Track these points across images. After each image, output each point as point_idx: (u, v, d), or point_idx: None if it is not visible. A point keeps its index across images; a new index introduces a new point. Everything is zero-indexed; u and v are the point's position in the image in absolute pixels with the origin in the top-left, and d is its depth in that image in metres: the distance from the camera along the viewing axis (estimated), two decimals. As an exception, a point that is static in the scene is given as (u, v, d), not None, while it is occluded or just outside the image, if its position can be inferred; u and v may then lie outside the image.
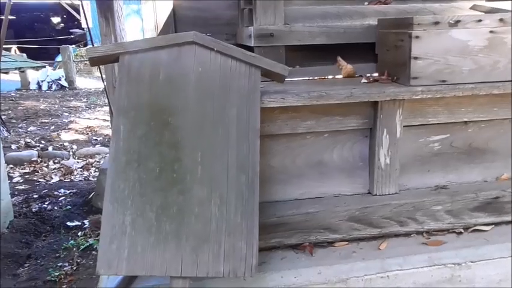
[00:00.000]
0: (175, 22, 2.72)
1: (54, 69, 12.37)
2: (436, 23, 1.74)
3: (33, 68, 3.85)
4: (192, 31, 1.60)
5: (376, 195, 1.87)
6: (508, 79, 1.82)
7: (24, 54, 11.42)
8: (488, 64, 1.80)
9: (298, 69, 2.19)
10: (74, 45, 14.28)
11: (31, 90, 11.21)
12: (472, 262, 1.73)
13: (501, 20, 1.77)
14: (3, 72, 3.37)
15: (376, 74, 2.06)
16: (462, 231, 1.89)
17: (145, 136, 1.50)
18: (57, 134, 6.79)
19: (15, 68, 3.75)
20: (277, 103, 1.67)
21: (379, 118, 1.80)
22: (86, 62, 13.93)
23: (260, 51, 2.10)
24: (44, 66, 4.00)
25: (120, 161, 1.46)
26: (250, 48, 2.15)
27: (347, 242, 1.82)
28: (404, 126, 1.85)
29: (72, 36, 17.07)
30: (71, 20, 18.60)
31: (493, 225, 1.91)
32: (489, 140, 2.00)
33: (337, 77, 2.15)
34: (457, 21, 1.75)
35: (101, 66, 3.53)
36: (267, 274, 1.64)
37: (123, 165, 1.46)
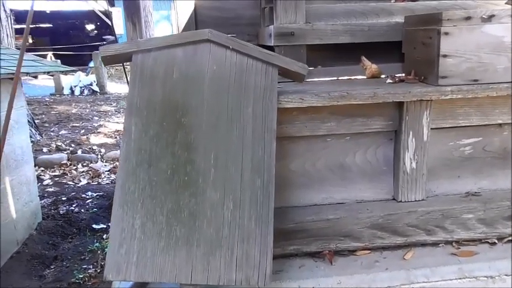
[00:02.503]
0: (196, 23, 2.68)
1: (86, 75, 12.67)
2: (468, 18, 1.63)
3: (61, 72, 3.92)
4: (207, 29, 1.55)
5: (401, 201, 1.76)
6: (548, 80, 1.68)
7: (59, 61, 11.73)
8: (526, 62, 1.67)
9: (320, 70, 2.11)
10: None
11: (64, 95, 11.51)
12: (506, 275, 1.59)
13: (539, 14, 1.64)
14: (33, 76, 3.45)
15: (402, 74, 1.95)
16: (496, 241, 1.75)
17: (157, 136, 1.45)
18: (87, 137, 6.90)
19: (43, 72, 3.79)
20: (295, 103, 1.59)
21: (405, 120, 1.70)
22: (117, 68, 14.22)
23: (280, 51, 2.04)
24: (73, 71, 4.07)
25: (130, 162, 1.42)
26: (270, 48, 2.08)
27: (369, 251, 1.72)
28: (432, 129, 1.74)
29: (105, 42, 17.48)
30: (104, 26, 19.06)
31: (531, 236, 1.77)
32: (526, 144, 1.86)
33: (361, 77, 2.05)
34: (491, 16, 1.63)
35: (126, 70, 3.54)
36: (284, 283, 1.56)
37: (133, 167, 1.42)
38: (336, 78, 2.06)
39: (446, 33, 1.63)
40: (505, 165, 1.86)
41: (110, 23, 15.97)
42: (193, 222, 1.39)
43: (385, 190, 1.81)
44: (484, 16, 1.62)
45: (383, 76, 2.02)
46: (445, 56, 1.65)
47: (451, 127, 1.78)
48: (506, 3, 2.04)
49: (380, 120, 1.73)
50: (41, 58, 4.32)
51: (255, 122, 1.49)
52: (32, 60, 3.88)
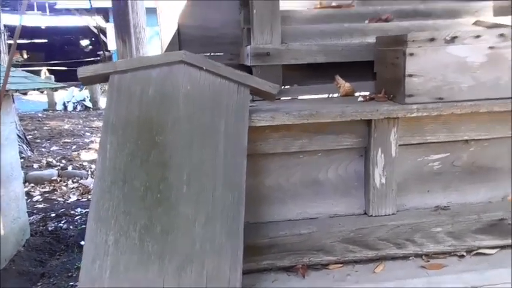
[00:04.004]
0: (179, 42, 2.75)
1: (80, 90, 12.74)
2: (432, 39, 1.70)
3: (52, 89, 3.98)
4: (182, 50, 1.61)
5: (372, 215, 1.82)
6: (510, 96, 1.75)
7: (52, 76, 11.82)
8: (489, 80, 1.75)
9: (297, 88, 2.18)
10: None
11: (57, 110, 11.56)
12: (474, 288, 1.64)
13: (501, 35, 1.72)
14: (22, 93, 3.50)
15: (374, 92, 2.02)
16: (464, 254, 1.80)
17: (131, 154, 1.51)
18: (78, 153, 6.93)
19: (34, 89, 3.84)
20: (267, 122, 1.66)
21: (374, 137, 1.76)
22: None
23: (257, 70, 2.11)
24: (65, 87, 4.12)
25: (105, 179, 1.47)
26: (249, 67, 2.16)
27: (342, 265, 1.76)
28: (401, 145, 1.80)
29: (99, 58, 17.60)
30: (98, 42, 19.19)
31: (498, 249, 1.82)
32: (494, 159, 1.93)
33: (335, 95, 2.12)
34: (454, 37, 1.71)
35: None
36: (257, 297, 1.60)
37: (108, 184, 1.47)
38: (311, 96, 2.13)
39: (411, 54, 1.70)
40: (473, 180, 1.92)
41: (104, 39, 16.12)
42: (165, 238, 1.44)
43: (356, 205, 1.86)
44: (447, 38, 1.70)
45: (356, 94, 2.09)
46: (410, 75, 1.72)
47: (419, 143, 1.84)
48: (474, 23, 2.13)
49: (350, 137, 1.79)
50: (32, 75, 4.37)
51: (227, 140, 1.55)
52: (22, 76, 3.93)
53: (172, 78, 1.59)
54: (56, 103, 11.66)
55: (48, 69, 15.14)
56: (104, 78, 1.61)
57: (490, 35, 1.71)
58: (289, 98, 2.10)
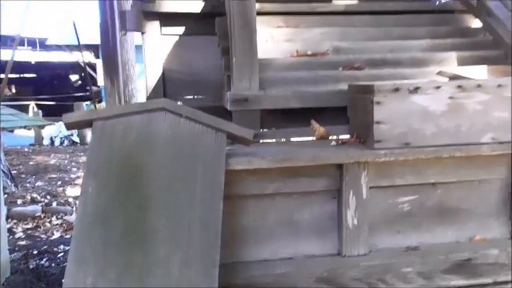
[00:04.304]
0: (164, 85, 2.87)
1: (68, 125, 12.77)
2: (396, 89, 1.83)
3: (38, 126, 4.04)
4: (162, 98, 1.72)
5: (345, 256, 1.89)
6: (471, 142, 1.87)
7: (40, 111, 11.88)
8: (450, 127, 1.87)
9: (274, 131, 2.28)
10: (88, 102, 14.80)
11: (44, 145, 11.53)
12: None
13: (459, 86, 1.86)
14: (9, 131, 3.55)
15: (347, 136, 2.13)
16: (434, 293, 1.87)
17: (111, 197, 1.58)
18: (63, 189, 6.92)
19: (20, 127, 3.91)
20: (243, 165, 1.75)
21: (345, 180, 1.85)
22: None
23: (236, 115, 2.21)
24: (50, 124, 4.18)
25: (85, 222, 1.53)
26: (230, 112, 2.27)
27: (316, 304, 1.81)
28: (371, 188, 1.90)
29: (88, 93, 17.72)
30: (88, 77, 19.36)
31: (466, 288, 1.90)
32: (460, 201, 2.03)
33: (311, 139, 2.23)
34: (417, 88, 1.84)
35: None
36: (231, 336, 1.64)
37: (88, 226, 1.53)
38: (288, 139, 2.23)
39: (378, 103, 1.83)
40: (441, 221, 2.01)
41: (94, 75, 16.32)
42: (143, 279, 1.49)
43: (331, 245, 1.94)
44: (410, 88, 1.83)
45: (331, 137, 2.20)
46: (378, 122, 1.83)
47: (389, 186, 1.94)
48: (437, 73, 2.27)
49: (323, 180, 1.89)
50: (19, 112, 4.46)
51: (204, 184, 1.63)
52: (9, 114, 4.01)
53: (153, 124, 1.68)
54: (43, 138, 11.66)
55: (36, 104, 15.19)
56: (88, 123, 1.70)
57: (449, 86, 1.85)
58: (267, 141, 2.19)
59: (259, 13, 2.70)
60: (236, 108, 2.18)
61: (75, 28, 3.89)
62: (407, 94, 1.84)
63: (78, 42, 4.92)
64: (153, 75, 2.86)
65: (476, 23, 2.88)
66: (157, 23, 2.78)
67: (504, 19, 2.60)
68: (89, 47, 16.16)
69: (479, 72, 2.46)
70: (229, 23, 2.20)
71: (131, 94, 7.73)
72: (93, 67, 17.42)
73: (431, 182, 1.97)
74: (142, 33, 2.79)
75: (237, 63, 2.16)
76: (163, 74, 2.87)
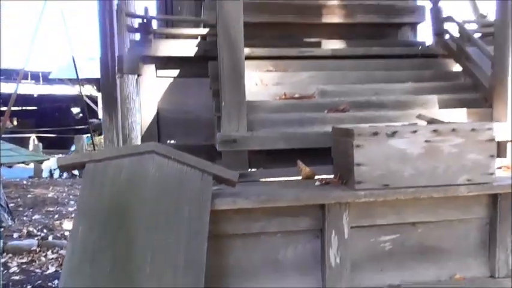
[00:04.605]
0: (158, 123, 2.98)
1: (68, 157, 12.85)
2: (375, 133, 1.93)
3: (37, 161, 4.14)
4: (153, 142, 1.82)
5: (328, 293, 1.94)
6: (448, 183, 1.96)
7: (40, 144, 11.98)
8: (427, 169, 1.96)
9: (262, 171, 2.37)
10: (89, 135, 14.94)
11: (43, 178, 11.58)
12: None
13: (435, 131, 1.96)
14: (8, 167, 3.64)
15: (332, 176, 2.22)
16: (415, 332, 1.91)
17: (100, 237, 1.65)
18: (60, 222, 6.93)
19: (18, 162, 4.00)
20: (228, 206, 1.83)
21: (327, 220, 1.93)
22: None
23: (226, 155, 2.31)
24: (48, 159, 4.29)
25: (74, 260, 1.60)
26: (219, 151, 2.36)
27: None
28: (353, 227, 1.97)
29: (88, 126, 17.90)
30: (89, 111, 19.61)
31: (447, 327, 1.94)
32: (441, 240, 2.09)
33: (297, 178, 2.31)
34: (394, 132, 1.94)
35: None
36: None
37: (77, 264, 1.59)
38: (275, 178, 2.32)
39: (358, 146, 1.92)
40: (422, 260, 2.07)
41: (95, 108, 16.54)
42: (128, 317, 1.55)
43: (314, 283, 1.99)
44: (388, 132, 1.93)
45: (316, 177, 2.28)
46: (358, 164, 1.93)
47: (371, 225, 2.01)
48: (417, 117, 2.38)
49: (306, 219, 1.96)
50: (18, 147, 4.55)
51: (189, 223, 1.71)
52: (8, 149, 4.11)
53: (143, 166, 1.78)
54: (42, 170, 11.71)
55: (37, 137, 15.32)
56: (81, 165, 1.79)
57: (425, 130, 1.95)
58: (254, 180, 2.28)
59: (250, 57, 2.85)
60: (225, 149, 2.28)
61: (74, 63, 4.06)
62: (386, 138, 1.94)
63: (77, 76, 5.09)
64: (148, 115, 2.97)
65: (457, 67, 3.01)
66: (153, 66, 2.91)
67: (481, 64, 2.74)
68: (91, 81, 16.46)
69: (460, 115, 2.57)
70: (220, 67, 2.33)
71: (131, 127, 7.87)
72: (94, 100, 17.69)
73: (411, 221, 2.04)
74: (139, 75, 2.92)
75: (225, 106, 2.27)
76: (157, 113, 2.98)
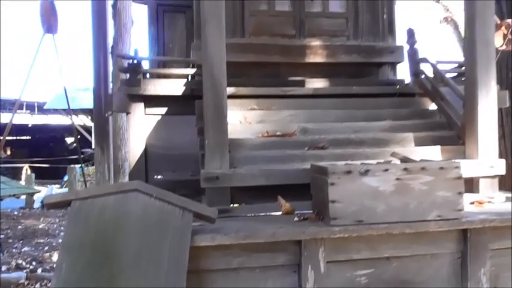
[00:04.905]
0: (146, 159, 3.07)
1: (60, 187, 12.85)
2: (349, 172, 2.04)
3: (29, 194, 4.18)
4: (137, 180, 1.91)
5: (305, 328, 2.00)
6: (419, 219, 2.05)
7: (33, 174, 11.99)
8: (399, 206, 2.05)
9: (244, 207, 2.46)
10: (83, 164, 14.97)
11: (34, 208, 11.53)
12: None
13: (405, 169, 2.07)
14: (-1, 199, 3.67)
15: (310, 212, 2.30)
16: None
17: (84, 273, 1.72)
18: (50, 255, 6.90)
19: (9, 195, 4.06)
20: (207, 242, 1.90)
21: (304, 255, 2.01)
22: (92, 181, 14.50)
23: (209, 191, 2.40)
24: (39, 192, 4.32)
25: (57, 296, 1.66)
26: (203, 188, 2.45)
27: None
28: (329, 262, 2.05)
29: (83, 155, 17.96)
30: (83, 140, 19.71)
31: None
32: (415, 274, 2.17)
33: (278, 213, 2.39)
34: (367, 171, 2.05)
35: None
36: None
37: (60, 301, 1.66)
38: (256, 214, 2.40)
39: (332, 184, 2.02)
40: (397, 293, 2.14)
41: (88, 138, 16.60)
42: None
43: (294, 318, 2.05)
44: (361, 171, 2.04)
45: (296, 212, 2.37)
46: (333, 201, 2.02)
47: (346, 260, 2.09)
48: (391, 155, 2.49)
49: (284, 255, 2.04)
50: (9, 179, 4.61)
51: (170, 259, 1.78)
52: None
53: (126, 204, 1.86)
54: (33, 201, 11.67)
55: (30, 167, 15.32)
56: (67, 203, 1.87)
57: (396, 169, 2.06)
58: (236, 215, 2.36)
59: (235, 96, 2.98)
60: (208, 186, 2.37)
61: (65, 93, 4.18)
62: (359, 176, 2.04)
63: (68, 107, 5.20)
64: (136, 151, 3.07)
65: (433, 106, 3.16)
66: (141, 104, 3.03)
67: (454, 103, 2.88)
68: (86, 111, 16.63)
69: (434, 152, 2.68)
70: (204, 106, 2.44)
71: (124, 157, 7.95)
72: (88, 130, 17.81)
73: (386, 256, 2.12)
74: (128, 113, 3.04)
75: (209, 144, 2.38)
76: (145, 149, 3.09)
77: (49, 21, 3.07)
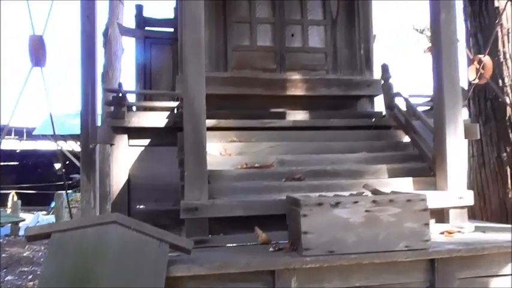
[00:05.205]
0: (129, 189, 3.14)
1: (48, 214, 12.73)
2: (320, 204, 2.13)
3: (13, 222, 4.19)
4: (115, 213, 1.98)
5: None
6: (387, 250, 2.14)
7: (20, 201, 11.90)
8: (369, 237, 2.14)
9: (222, 237, 2.52)
10: (71, 191, 14.89)
11: (20, 236, 11.40)
12: None
13: (374, 201, 2.17)
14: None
15: (286, 242, 2.38)
16: None
17: (61, 304, 1.77)
18: (33, 284, 6.83)
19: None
20: (183, 272, 1.97)
21: (277, 285, 2.08)
22: (79, 208, 14.39)
23: (188, 222, 2.47)
24: (24, 220, 4.34)
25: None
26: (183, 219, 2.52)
27: None
28: (301, 291, 2.12)
29: (71, 181, 17.85)
30: (72, 166, 19.62)
31: None
32: (388, 303, 2.24)
33: (255, 243, 2.46)
34: (338, 203, 2.15)
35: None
36: None
37: (36, 331, 1.70)
38: (233, 244, 2.47)
39: (304, 215, 2.11)
40: (372, 322, 2.21)
41: (77, 163, 16.60)
42: None
43: None
44: (331, 203, 2.14)
45: (272, 242, 2.44)
46: (305, 232, 2.11)
47: (319, 289, 2.16)
48: (363, 186, 2.60)
49: (259, 284, 2.10)
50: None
51: (146, 290, 1.84)
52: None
53: (105, 236, 1.93)
54: (19, 228, 11.55)
55: (16, 193, 15.18)
56: (47, 235, 1.93)
57: (365, 201, 2.16)
58: (214, 245, 2.42)
59: (216, 128, 3.09)
60: (187, 216, 2.44)
61: (51, 119, 4.24)
62: (330, 208, 2.14)
63: (54, 133, 5.27)
64: (119, 181, 3.14)
65: (407, 138, 3.29)
66: (125, 136, 3.12)
67: (425, 136, 3.01)
68: (75, 137, 16.61)
69: (407, 184, 2.80)
70: (184, 139, 2.54)
71: (112, 184, 7.96)
72: (77, 156, 17.76)
73: (357, 285, 2.20)
74: (111, 144, 3.13)
75: (188, 176, 2.46)
76: (128, 180, 3.16)
77: (37, 55, 3.18)
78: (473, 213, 5.24)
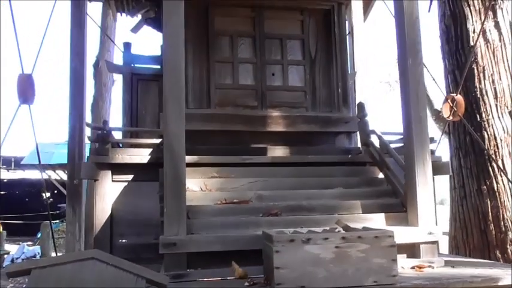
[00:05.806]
0: (112, 223, 3.22)
1: (34, 244, 12.57)
2: (292, 240, 2.23)
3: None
4: (94, 249, 2.06)
5: None
6: (357, 284, 2.23)
7: (4, 232, 11.76)
8: (339, 272, 2.24)
9: (200, 271, 2.60)
10: (58, 220, 14.77)
11: (3, 267, 11.22)
12: None
13: (343, 238, 2.28)
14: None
15: (262, 276, 2.46)
16: None
17: None
18: (15, 317, 6.73)
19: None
20: (159, 307, 2.04)
21: (250, 318, 2.15)
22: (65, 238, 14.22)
23: (166, 257, 2.54)
24: (8, 253, 4.35)
25: None
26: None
27: None
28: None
29: (59, 211, 17.67)
30: (60, 195, 19.46)
31: None
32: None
33: (231, 278, 2.54)
34: (309, 239, 2.25)
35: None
36: None
37: None
38: (210, 279, 2.54)
39: (277, 251, 2.21)
40: None
41: (65, 193, 16.47)
42: None
43: None
44: (303, 239, 2.24)
45: (248, 277, 2.52)
46: (278, 267, 2.20)
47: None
48: (336, 222, 2.70)
49: (232, 318, 2.18)
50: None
51: (121, 325, 1.91)
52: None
53: (84, 271, 2.01)
54: (4, 259, 11.39)
55: (2, 223, 14.98)
56: (27, 272, 2.00)
57: (335, 237, 2.26)
58: (191, 280, 2.49)
59: (197, 164, 3.21)
60: (166, 251, 2.52)
61: (37, 149, 4.32)
62: (301, 244, 2.24)
63: (39, 163, 5.33)
64: (102, 216, 3.22)
65: (381, 174, 3.42)
66: (109, 172, 3.22)
67: (398, 173, 3.15)
68: (63, 166, 16.56)
69: (380, 219, 2.91)
70: (164, 177, 2.64)
71: (95, 218, 7.95)
72: (65, 185, 17.68)
73: (328, 321, 2.27)
74: (95, 180, 3.22)
75: (167, 212, 2.55)
76: (111, 214, 3.24)
77: (26, 93, 3.30)
78: (456, 245, 5.40)
